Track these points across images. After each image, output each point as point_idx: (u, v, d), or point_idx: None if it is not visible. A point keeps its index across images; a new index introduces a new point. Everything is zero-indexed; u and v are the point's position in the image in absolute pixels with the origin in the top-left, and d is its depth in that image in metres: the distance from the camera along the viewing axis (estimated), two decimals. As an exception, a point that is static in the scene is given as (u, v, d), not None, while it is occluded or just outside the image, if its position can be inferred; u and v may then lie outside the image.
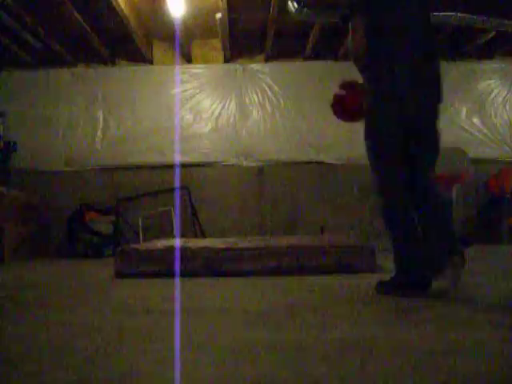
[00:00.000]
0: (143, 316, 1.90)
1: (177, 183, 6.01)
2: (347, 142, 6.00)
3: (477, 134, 6.54)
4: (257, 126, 6.45)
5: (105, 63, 6.57)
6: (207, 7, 5.53)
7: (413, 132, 2.28)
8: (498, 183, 6.21)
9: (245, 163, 6.38)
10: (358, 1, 2.30)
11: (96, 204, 5.97)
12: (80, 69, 6.57)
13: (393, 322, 1.67)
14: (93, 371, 1.16)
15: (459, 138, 6.44)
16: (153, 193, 6.16)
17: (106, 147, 6.36)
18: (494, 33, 5.89)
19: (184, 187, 6.13)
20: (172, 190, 6.08)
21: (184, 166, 6.19)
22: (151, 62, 6.60)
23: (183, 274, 3.14)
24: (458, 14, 5.25)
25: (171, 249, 3.34)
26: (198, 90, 6.49)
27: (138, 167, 6.29)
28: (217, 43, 6.41)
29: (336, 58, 6.48)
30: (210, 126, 6.43)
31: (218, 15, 5.36)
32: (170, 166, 6.14)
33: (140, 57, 6.47)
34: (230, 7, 5.30)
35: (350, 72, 2.52)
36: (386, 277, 2.30)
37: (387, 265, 2.79)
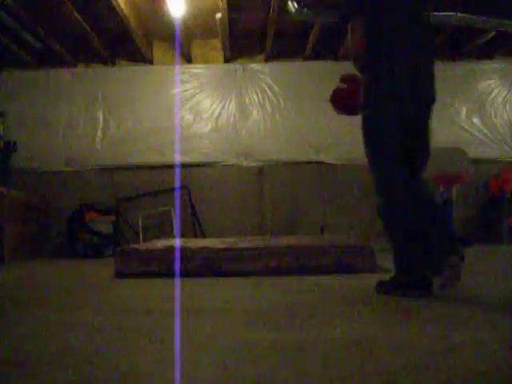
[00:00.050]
0: (143, 316, 1.90)
1: (177, 183, 6.01)
2: (347, 142, 6.00)
3: (477, 133, 6.54)
4: (257, 126, 6.45)
5: (105, 63, 6.57)
6: (207, 7, 5.53)
7: (411, 131, 2.29)
8: (497, 183, 6.21)
9: (245, 163, 6.38)
10: (357, 1, 2.30)
11: (96, 204, 5.97)
12: (80, 69, 6.57)
13: (393, 322, 1.67)
14: (93, 371, 1.16)
15: (459, 137, 6.45)
16: (153, 193, 6.16)
17: (106, 147, 6.36)
18: (493, 33, 5.89)
19: (184, 187, 6.13)
20: (172, 189, 6.08)
21: (184, 166, 6.19)
22: (151, 62, 6.60)
23: (183, 274, 3.14)
24: (458, 14, 5.26)
25: (171, 249, 3.33)
26: (198, 90, 6.49)
27: (138, 167, 6.29)
28: (217, 43, 6.41)
29: (336, 58, 6.48)
30: (209, 126, 6.44)
31: (218, 15, 5.36)
32: (170, 166, 6.14)
33: (140, 57, 6.47)
34: (230, 7, 5.30)
35: (350, 72, 2.52)
36: (386, 277, 2.30)
37: (387, 265, 2.79)
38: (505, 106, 6.62)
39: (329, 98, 2.53)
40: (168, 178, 6.13)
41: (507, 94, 6.64)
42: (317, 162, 6.38)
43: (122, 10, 5.04)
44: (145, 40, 6.31)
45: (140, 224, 5.95)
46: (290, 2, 5.15)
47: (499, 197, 6.17)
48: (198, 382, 1.07)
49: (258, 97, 6.49)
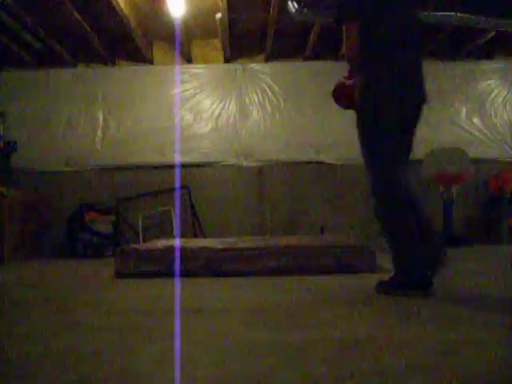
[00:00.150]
0: (143, 316, 1.90)
1: (177, 183, 6.01)
2: (347, 142, 5.98)
3: (477, 134, 6.54)
4: (257, 126, 6.45)
5: (105, 63, 6.57)
6: (207, 7, 5.53)
7: (406, 131, 2.31)
8: (497, 183, 6.21)
9: (245, 163, 6.38)
10: (354, 3, 2.31)
11: (96, 204, 5.97)
12: (80, 69, 6.57)
13: (393, 322, 1.67)
14: (93, 371, 1.16)
15: (459, 137, 6.45)
16: (153, 193, 6.16)
17: (106, 147, 6.36)
18: (493, 33, 5.89)
19: (184, 187, 6.13)
20: (172, 189, 6.08)
21: (184, 166, 6.19)
22: (151, 62, 6.60)
23: (183, 274, 3.14)
24: (458, 14, 5.25)
25: (171, 249, 3.33)
26: (198, 90, 6.49)
27: (138, 167, 6.29)
28: (217, 43, 6.41)
29: (336, 58, 6.48)
30: (210, 126, 6.44)
31: (218, 15, 5.36)
32: (170, 166, 6.14)
33: (140, 57, 6.47)
34: (230, 7, 5.30)
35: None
36: (386, 277, 2.30)
37: (387, 265, 2.78)
38: (505, 106, 6.62)
39: (331, 91, 2.54)
40: (168, 177, 6.13)
41: (507, 94, 6.64)
42: (317, 162, 6.38)
43: (121, 9, 5.04)
44: (145, 40, 6.31)
45: (140, 224, 5.96)
46: (289, 2, 5.15)
47: (499, 197, 6.17)
48: (198, 382, 1.07)
49: (257, 97, 6.49)
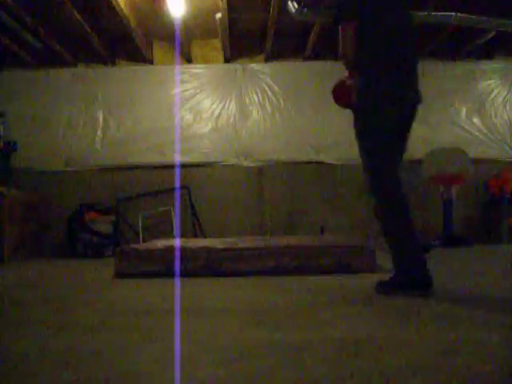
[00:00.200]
0: (143, 316, 1.90)
1: (177, 183, 6.01)
2: (347, 142, 5.98)
3: (477, 134, 6.54)
4: (257, 126, 6.45)
5: (105, 63, 6.57)
6: (207, 7, 5.53)
7: (403, 132, 2.33)
8: (497, 183, 6.21)
9: (245, 163, 6.38)
10: (349, 5, 2.32)
11: (96, 204, 5.97)
12: (80, 69, 6.57)
13: (393, 322, 1.67)
14: (93, 371, 1.16)
15: (459, 138, 6.45)
16: (153, 193, 6.16)
17: (106, 147, 6.36)
18: (493, 33, 5.89)
19: (184, 187, 6.13)
20: (172, 189, 6.08)
21: (184, 166, 6.19)
22: (151, 62, 6.60)
23: (183, 274, 3.14)
24: (458, 14, 5.25)
25: (171, 249, 3.33)
26: (198, 90, 6.49)
27: (138, 167, 6.29)
28: (217, 43, 6.41)
29: (336, 58, 6.47)
30: (210, 126, 6.44)
31: (218, 15, 5.36)
32: (170, 166, 6.14)
33: (140, 57, 6.47)
34: (230, 7, 5.30)
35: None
36: (386, 277, 2.30)
37: (387, 265, 2.79)
38: (505, 106, 6.62)
39: (331, 89, 2.54)
40: (168, 177, 6.13)
41: (507, 94, 6.65)
42: (317, 162, 6.38)
43: (121, 9, 5.04)
44: (145, 40, 6.31)
45: (140, 224, 5.96)
46: (289, 2, 5.15)
47: (499, 197, 6.17)
48: (198, 382, 1.07)
49: (257, 97, 6.49)
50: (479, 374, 1.08)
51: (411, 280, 2.17)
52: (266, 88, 6.50)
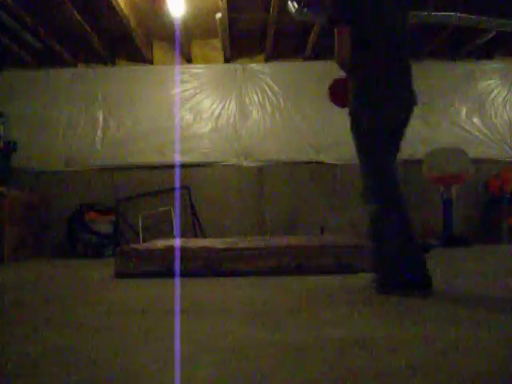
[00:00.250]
0: (143, 316, 1.90)
1: (177, 183, 6.01)
2: (347, 142, 5.95)
3: (477, 134, 6.55)
4: (257, 126, 6.45)
5: (105, 63, 6.58)
6: (207, 7, 5.53)
7: (398, 132, 2.34)
8: (497, 183, 6.21)
9: (245, 163, 6.38)
10: (344, 8, 2.32)
11: (96, 204, 5.97)
12: (80, 69, 6.57)
13: (393, 321, 1.67)
14: (93, 371, 1.16)
15: (459, 138, 6.45)
16: (153, 193, 6.16)
17: (106, 147, 6.36)
18: (494, 33, 5.89)
19: (184, 187, 6.14)
20: (172, 189, 6.08)
21: (184, 166, 6.19)
22: (151, 62, 6.60)
23: (183, 274, 3.14)
24: (458, 14, 5.26)
25: (171, 249, 3.33)
26: (198, 90, 6.49)
27: (138, 167, 6.29)
28: (217, 43, 6.41)
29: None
30: (210, 126, 6.44)
31: (218, 15, 5.36)
32: (170, 166, 6.14)
33: (140, 57, 6.47)
34: (230, 7, 5.30)
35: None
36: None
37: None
38: (505, 106, 6.63)
39: (327, 88, 2.56)
40: (168, 177, 6.13)
41: (507, 94, 6.65)
42: (317, 162, 6.38)
43: (121, 9, 5.05)
44: (145, 40, 6.31)
45: (140, 224, 5.96)
46: (289, 2, 5.15)
47: (499, 197, 6.17)
48: (198, 382, 1.07)
49: (257, 97, 6.49)
50: (479, 374, 1.08)
51: (411, 280, 2.17)
52: (266, 88, 6.50)
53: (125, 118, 6.41)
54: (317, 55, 6.50)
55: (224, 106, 6.46)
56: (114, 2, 4.84)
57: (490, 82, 6.65)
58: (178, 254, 3.25)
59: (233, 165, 6.38)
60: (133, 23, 5.52)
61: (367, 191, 2.34)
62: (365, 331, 1.53)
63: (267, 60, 6.60)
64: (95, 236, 5.66)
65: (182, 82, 6.45)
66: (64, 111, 6.39)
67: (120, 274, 3.30)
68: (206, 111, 6.46)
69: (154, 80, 6.47)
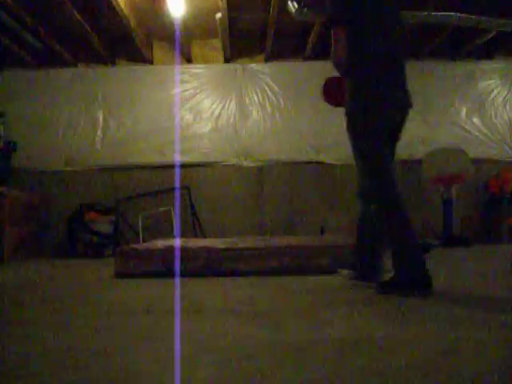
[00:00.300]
0: (143, 316, 1.90)
1: (177, 183, 6.01)
2: (347, 142, 5.97)
3: (477, 134, 6.55)
4: (257, 126, 6.45)
5: (105, 63, 6.58)
6: (207, 7, 5.53)
7: (394, 134, 2.36)
8: (497, 183, 6.22)
9: (245, 163, 6.38)
10: (341, 9, 2.33)
11: (96, 204, 5.97)
12: (80, 69, 6.57)
13: (393, 322, 1.67)
14: (93, 371, 1.16)
15: (459, 138, 6.45)
16: (153, 193, 6.16)
17: (106, 147, 6.36)
18: (494, 33, 5.89)
19: (184, 187, 6.14)
20: (172, 189, 6.08)
21: (184, 166, 6.19)
22: (151, 62, 6.60)
23: (183, 274, 3.14)
24: (458, 14, 5.25)
25: (171, 249, 3.33)
26: (198, 90, 6.49)
27: (138, 167, 6.29)
28: (217, 43, 6.41)
29: (336, 58, 6.47)
30: (210, 126, 6.44)
31: (218, 15, 5.36)
32: (170, 166, 6.14)
33: (140, 57, 6.47)
34: (230, 7, 5.30)
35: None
36: (386, 277, 2.30)
37: (387, 265, 2.78)
38: (505, 106, 6.63)
39: (322, 85, 2.58)
40: (168, 178, 6.13)
41: (507, 94, 6.65)
42: (317, 162, 6.39)
43: (121, 9, 5.04)
44: (145, 40, 6.31)
45: (140, 224, 5.96)
46: (289, 2, 5.15)
47: (499, 197, 6.17)
48: (198, 382, 1.07)
49: (257, 97, 6.49)
50: (479, 373, 1.08)
51: (411, 280, 2.17)
52: (266, 88, 6.50)
53: (125, 118, 6.41)
54: (317, 55, 6.50)
55: (224, 106, 6.46)
56: (114, 2, 4.84)
57: (490, 82, 6.65)
58: (178, 254, 3.25)
59: (233, 165, 6.38)
60: (133, 23, 5.52)
61: (365, 191, 2.35)
62: (365, 331, 1.53)
63: (267, 60, 6.60)
64: (95, 236, 5.66)
65: (182, 82, 6.45)
66: (64, 111, 6.39)
67: (120, 274, 3.30)
68: (206, 111, 6.46)
69: (153, 80, 6.47)
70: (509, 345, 1.35)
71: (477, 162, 6.15)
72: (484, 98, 6.62)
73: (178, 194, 6.07)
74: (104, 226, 5.74)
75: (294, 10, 5.16)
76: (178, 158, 6.18)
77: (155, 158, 6.29)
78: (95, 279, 3.39)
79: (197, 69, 6.55)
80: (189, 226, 6.12)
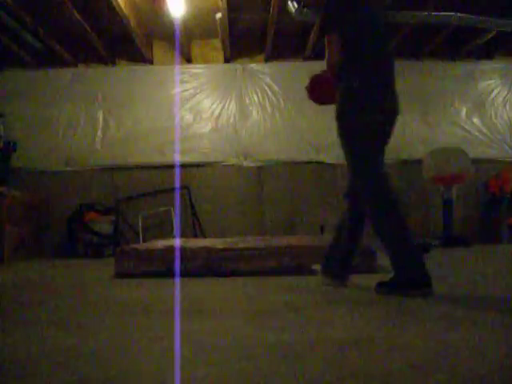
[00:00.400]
0: (143, 316, 1.90)
1: (177, 183, 6.01)
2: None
3: (477, 134, 6.55)
4: (257, 126, 6.45)
5: (105, 63, 6.58)
6: (207, 7, 5.53)
7: (384, 139, 2.38)
8: (497, 183, 6.22)
9: (245, 163, 6.38)
10: (332, 15, 2.34)
11: (96, 204, 5.97)
12: (80, 69, 6.58)
13: (392, 322, 1.67)
14: (93, 371, 1.16)
15: (459, 138, 6.45)
16: (153, 193, 6.16)
17: (106, 147, 6.36)
18: (494, 33, 5.90)
19: (184, 187, 6.14)
20: (172, 189, 6.09)
21: (184, 165, 6.19)
22: (151, 62, 6.60)
23: (183, 274, 3.14)
24: (458, 14, 5.26)
25: (171, 249, 3.34)
26: (198, 90, 6.49)
27: (138, 167, 6.30)
28: (217, 43, 6.41)
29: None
30: (210, 126, 6.44)
31: (218, 15, 5.37)
32: (170, 166, 6.14)
33: (140, 57, 6.47)
34: (230, 7, 5.30)
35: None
36: (386, 277, 2.30)
37: (387, 265, 2.79)
38: (505, 106, 6.63)
39: (307, 83, 2.58)
40: (168, 178, 6.13)
41: (507, 94, 6.65)
42: (317, 162, 6.39)
43: (121, 9, 5.05)
44: (145, 40, 6.31)
45: (140, 224, 5.96)
46: (289, 2, 5.15)
47: (499, 197, 6.18)
48: (198, 382, 1.07)
49: (257, 97, 6.49)
50: (479, 374, 1.08)
51: (410, 280, 2.17)
52: (266, 88, 6.50)
53: (125, 118, 6.41)
54: (317, 55, 6.49)
55: (224, 106, 6.46)
56: (114, 2, 4.84)
57: (489, 82, 6.65)
58: (178, 254, 3.26)
59: (233, 165, 6.38)
60: (133, 23, 5.52)
61: (359, 193, 2.35)
62: (365, 331, 1.53)
63: (267, 60, 6.60)
64: (95, 236, 5.66)
65: (182, 82, 6.45)
66: (64, 111, 6.39)
67: (120, 274, 3.30)
68: (205, 111, 6.46)
69: (153, 80, 6.47)
70: (509, 345, 1.35)
71: (477, 161, 6.15)
72: (484, 98, 6.62)
73: (177, 194, 6.07)
74: (104, 226, 5.74)
75: (294, 10, 5.17)
76: (177, 158, 6.18)
77: (155, 158, 6.30)
78: (95, 279, 3.39)
79: (197, 69, 6.55)
80: (189, 226, 6.12)
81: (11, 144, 5.96)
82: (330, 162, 6.35)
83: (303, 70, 6.62)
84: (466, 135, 6.52)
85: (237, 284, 2.83)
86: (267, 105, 6.48)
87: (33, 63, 6.42)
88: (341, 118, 2.35)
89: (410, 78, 6.34)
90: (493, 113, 6.60)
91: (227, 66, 6.58)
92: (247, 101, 6.48)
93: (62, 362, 1.24)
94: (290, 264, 3.27)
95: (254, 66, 6.56)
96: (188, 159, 6.30)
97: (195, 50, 6.63)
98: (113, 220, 5.86)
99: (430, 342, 1.36)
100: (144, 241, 5.67)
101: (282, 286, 2.68)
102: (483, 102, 6.60)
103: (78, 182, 6.27)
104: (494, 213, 6.24)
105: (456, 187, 5.93)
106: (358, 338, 1.42)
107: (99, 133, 6.39)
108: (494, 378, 1.06)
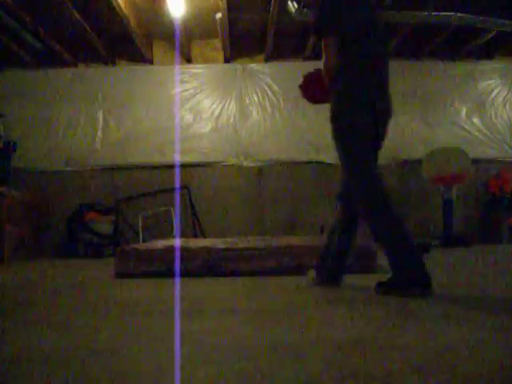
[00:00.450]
0: (143, 316, 1.90)
1: (177, 183, 6.01)
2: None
3: (477, 134, 6.55)
4: (257, 126, 6.45)
5: (105, 63, 6.58)
6: (207, 7, 5.53)
7: (378, 141, 2.39)
8: (497, 183, 6.22)
9: (245, 163, 6.38)
10: (327, 19, 2.34)
11: (96, 204, 5.97)
12: (80, 69, 6.58)
13: (392, 322, 1.67)
14: (93, 371, 1.16)
15: (459, 138, 6.45)
16: (153, 193, 6.16)
17: (106, 147, 6.36)
18: (494, 33, 5.90)
19: (184, 187, 6.14)
20: (172, 189, 6.09)
21: (184, 166, 6.19)
22: (151, 62, 6.60)
23: (183, 274, 3.14)
24: (458, 14, 5.26)
25: (171, 249, 3.34)
26: (198, 90, 6.49)
27: (138, 167, 6.30)
28: (217, 43, 6.42)
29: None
30: (210, 126, 6.44)
31: (218, 15, 5.37)
32: (170, 166, 6.15)
33: (140, 57, 6.47)
34: (230, 7, 5.30)
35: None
36: (386, 277, 2.30)
37: (387, 265, 2.79)
38: (505, 106, 6.63)
39: (300, 81, 2.58)
40: (168, 178, 6.13)
41: (507, 94, 6.65)
42: (317, 162, 6.39)
43: (121, 9, 5.05)
44: (145, 40, 6.31)
45: (140, 224, 5.96)
46: (289, 2, 5.16)
47: (499, 197, 6.18)
48: (198, 382, 1.07)
49: (257, 97, 6.49)
50: (479, 374, 1.08)
51: (409, 280, 2.17)
52: (266, 88, 6.50)
53: (125, 118, 6.41)
54: (317, 55, 6.49)
55: (224, 105, 6.46)
56: (114, 2, 4.84)
57: (489, 82, 6.65)
58: (178, 254, 3.26)
59: (233, 165, 6.38)
60: (133, 23, 5.52)
61: (353, 194, 2.36)
62: (365, 331, 1.53)
63: (267, 60, 6.60)
64: (95, 236, 5.66)
65: (182, 81, 6.45)
66: (64, 111, 6.39)
67: (120, 274, 3.30)
68: (205, 111, 6.47)
69: (153, 80, 6.48)
70: (509, 345, 1.35)
71: (477, 161, 6.16)
72: (484, 98, 6.62)
73: (177, 194, 6.07)
74: (104, 226, 5.74)
75: (293, 10, 5.17)
76: (178, 158, 6.18)
77: (155, 158, 6.30)
78: (95, 279, 3.39)
79: (197, 69, 6.55)
80: (189, 226, 6.12)
81: (11, 144, 5.96)
82: (329, 161, 6.35)
83: (303, 70, 6.63)
84: (466, 135, 6.52)
85: (237, 284, 2.83)
86: (267, 105, 6.48)
87: (33, 63, 6.42)
88: (335, 119, 2.36)
89: (410, 78, 6.35)
90: (493, 113, 6.60)
91: (227, 66, 6.58)
92: (247, 101, 6.48)
93: (62, 362, 1.24)
94: (290, 264, 3.27)
95: (253, 66, 6.56)
96: (188, 159, 6.30)
97: (195, 50, 6.63)
98: (113, 220, 5.86)
99: (430, 342, 1.36)
100: (144, 241, 5.67)
101: (281, 286, 2.68)
102: (483, 102, 6.60)
103: (78, 182, 6.27)
104: (494, 213, 6.24)
105: (456, 187, 5.93)
106: (357, 338, 1.42)
107: (99, 133, 6.40)
108: (494, 378, 1.06)
